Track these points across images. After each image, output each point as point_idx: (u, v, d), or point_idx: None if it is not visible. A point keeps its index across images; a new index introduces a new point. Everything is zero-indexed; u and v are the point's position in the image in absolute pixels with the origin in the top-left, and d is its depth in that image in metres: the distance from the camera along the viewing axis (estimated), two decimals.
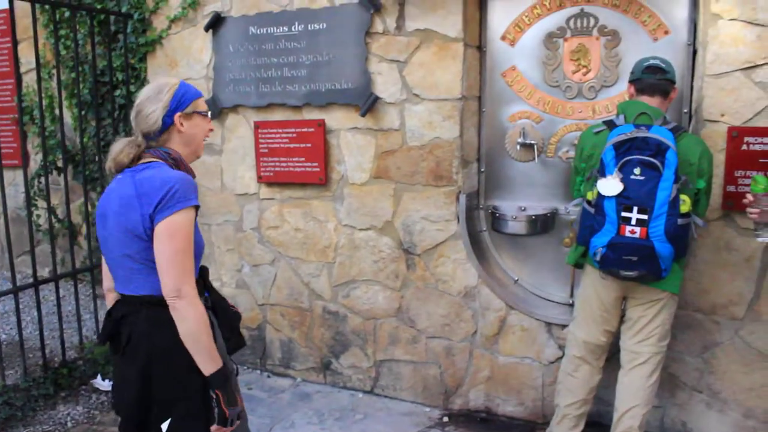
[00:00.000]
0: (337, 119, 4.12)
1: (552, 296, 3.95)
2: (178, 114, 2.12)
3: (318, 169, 4.16)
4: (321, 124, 4.12)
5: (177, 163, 2.13)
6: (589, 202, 2.95)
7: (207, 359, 2.01)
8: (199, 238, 2.12)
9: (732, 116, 3.28)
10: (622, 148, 2.83)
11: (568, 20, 3.74)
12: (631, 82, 3.09)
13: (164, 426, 2.07)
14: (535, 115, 3.89)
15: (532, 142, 3.86)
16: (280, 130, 4.24)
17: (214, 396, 2.05)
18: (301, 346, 4.48)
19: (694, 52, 3.51)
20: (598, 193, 2.84)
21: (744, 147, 3.26)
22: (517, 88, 3.91)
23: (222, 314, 2.26)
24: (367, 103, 3.94)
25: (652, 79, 2.99)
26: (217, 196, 4.65)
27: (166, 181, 1.99)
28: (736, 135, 3.26)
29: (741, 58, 3.24)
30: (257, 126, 4.37)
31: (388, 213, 4.07)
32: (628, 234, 2.77)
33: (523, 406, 3.88)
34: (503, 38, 3.91)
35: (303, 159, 4.18)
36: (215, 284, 4.68)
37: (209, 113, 2.27)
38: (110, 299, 2.28)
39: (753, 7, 3.19)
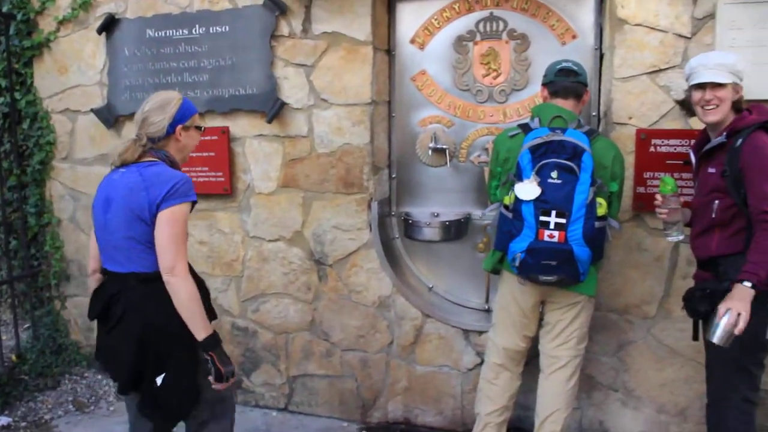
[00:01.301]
0: (242, 126, 3.94)
1: (468, 302, 3.90)
2: (180, 126, 2.50)
3: (222, 179, 3.96)
4: (225, 131, 3.92)
5: (173, 164, 2.50)
6: (506, 207, 2.90)
7: (199, 327, 2.37)
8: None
9: (639, 119, 3.33)
10: (538, 152, 2.79)
11: (477, 24, 3.71)
12: (544, 84, 3.07)
13: (159, 379, 2.42)
14: (446, 119, 3.84)
15: (444, 146, 3.81)
16: None
17: (209, 357, 2.40)
18: None
19: (601, 56, 3.56)
20: (516, 198, 2.79)
21: (652, 149, 3.31)
22: (427, 93, 3.85)
23: (201, 291, 2.50)
24: (274, 109, 3.78)
25: (566, 81, 2.98)
26: None
27: (173, 177, 2.38)
28: (644, 137, 3.31)
29: (646, 62, 3.30)
30: None
31: (297, 223, 3.92)
32: (546, 238, 2.73)
33: (443, 416, 3.80)
34: (412, 42, 3.84)
35: (206, 169, 3.97)
36: None
37: (203, 128, 2.69)
38: (94, 280, 2.63)
39: (655, 13, 3.25)
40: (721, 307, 2.51)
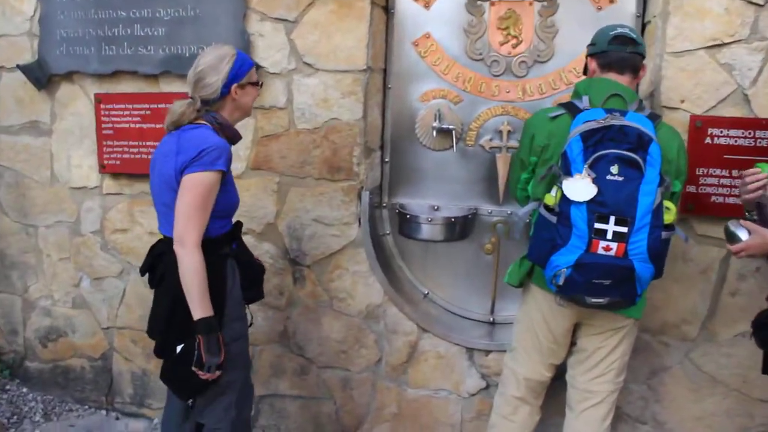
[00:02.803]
0: None
1: (469, 313, 3.30)
2: (235, 85, 2.33)
3: None
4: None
5: (222, 127, 2.34)
6: (548, 208, 2.27)
7: (195, 305, 2.22)
8: (231, 197, 2.39)
9: (693, 103, 2.74)
10: (593, 139, 2.16)
11: None
12: (592, 55, 2.43)
13: (178, 347, 2.32)
14: (453, 94, 3.19)
15: (450, 126, 3.16)
16: (130, 106, 3.28)
17: (197, 340, 2.23)
18: (158, 378, 3.56)
19: (643, 26, 2.97)
20: (562, 197, 2.17)
21: (708, 140, 2.71)
22: (431, 61, 3.19)
23: (244, 266, 2.45)
24: None
25: (623, 51, 2.35)
26: (45, 189, 3.61)
27: (204, 141, 2.22)
28: (699, 125, 2.71)
29: (706, 34, 2.70)
30: (99, 100, 3.37)
31: (270, 213, 3.25)
32: (600, 251, 2.12)
33: None
34: None
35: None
36: (45, 302, 3.69)
37: (261, 83, 2.51)
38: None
39: None
40: None
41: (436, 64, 3.19)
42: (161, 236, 2.45)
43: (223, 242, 2.38)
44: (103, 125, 3.36)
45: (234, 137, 2.39)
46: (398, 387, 3.20)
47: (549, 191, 2.28)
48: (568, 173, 2.17)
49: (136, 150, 3.29)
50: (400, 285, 3.27)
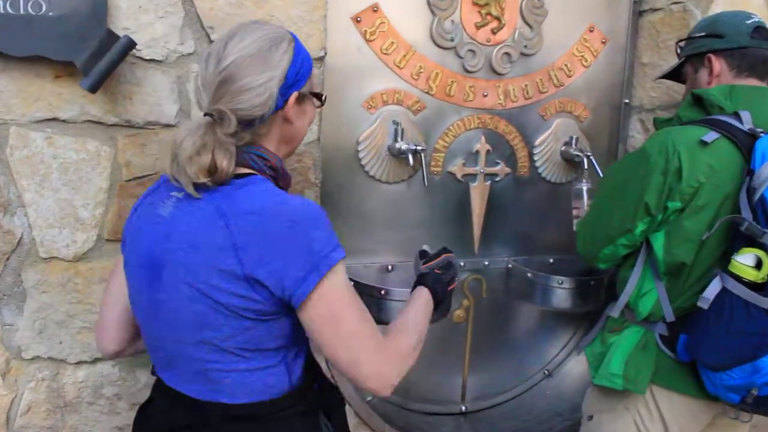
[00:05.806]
0: (7, 97, 1.57)
1: (430, 406, 2.40)
2: (295, 94, 1.24)
3: None
4: None
5: (278, 174, 1.27)
6: (746, 283, 1.48)
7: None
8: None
9: None
10: None
11: None
12: (716, 51, 1.72)
13: None
14: (413, 97, 2.14)
15: (416, 147, 2.08)
16: None
17: None
18: None
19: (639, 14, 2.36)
20: None
21: None
22: (381, 46, 2.08)
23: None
24: (101, 59, 1.54)
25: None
26: None
27: (299, 224, 1.15)
28: None
29: None
30: None
31: None
32: None
33: None
34: None
35: None
36: None
37: (324, 96, 1.37)
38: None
39: None
40: None
41: (387, 52, 2.08)
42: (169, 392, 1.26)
43: (309, 387, 1.29)
44: None
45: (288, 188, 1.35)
46: None
47: (744, 261, 1.49)
48: None
49: None
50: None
